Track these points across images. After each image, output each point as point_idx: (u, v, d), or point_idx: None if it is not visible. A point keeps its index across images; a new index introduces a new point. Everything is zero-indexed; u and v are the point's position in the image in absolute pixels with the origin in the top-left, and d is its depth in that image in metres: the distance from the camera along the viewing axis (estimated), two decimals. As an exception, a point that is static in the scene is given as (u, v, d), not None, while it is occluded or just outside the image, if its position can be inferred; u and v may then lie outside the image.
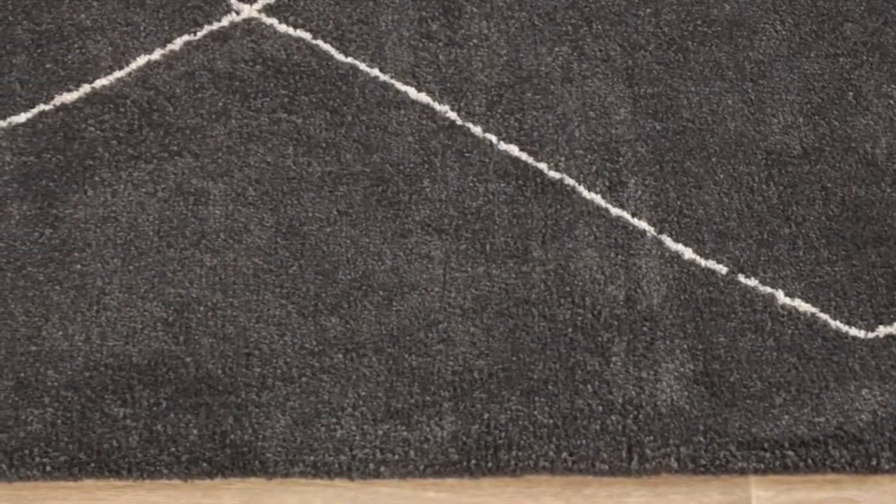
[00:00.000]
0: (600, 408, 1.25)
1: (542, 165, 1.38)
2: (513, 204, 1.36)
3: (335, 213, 1.35)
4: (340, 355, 1.27)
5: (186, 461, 1.22)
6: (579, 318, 1.30)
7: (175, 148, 1.38)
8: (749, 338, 1.29)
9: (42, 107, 1.40)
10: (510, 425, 1.24)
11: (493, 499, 1.23)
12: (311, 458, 1.22)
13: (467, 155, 1.39)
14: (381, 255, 1.33)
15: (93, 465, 1.22)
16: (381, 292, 1.31)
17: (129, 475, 1.22)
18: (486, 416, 1.24)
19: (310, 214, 1.35)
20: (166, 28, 1.46)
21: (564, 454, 1.23)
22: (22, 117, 1.40)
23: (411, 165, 1.38)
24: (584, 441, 1.23)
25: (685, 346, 1.28)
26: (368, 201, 1.36)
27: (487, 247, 1.34)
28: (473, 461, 1.23)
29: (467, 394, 1.26)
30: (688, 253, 1.34)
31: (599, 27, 1.47)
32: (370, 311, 1.30)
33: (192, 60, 1.44)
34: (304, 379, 1.26)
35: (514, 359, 1.27)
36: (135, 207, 1.35)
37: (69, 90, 1.41)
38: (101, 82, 1.42)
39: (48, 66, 1.43)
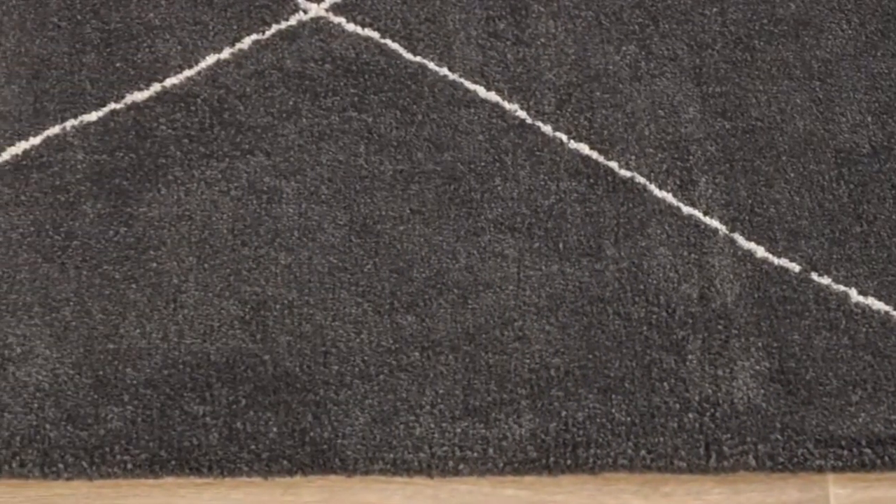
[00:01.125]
0: (677, 405, 1.25)
1: (613, 164, 1.39)
2: (584, 202, 1.36)
3: (408, 211, 1.35)
4: (417, 353, 1.28)
5: (267, 459, 1.22)
6: (654, 317, 1.30)
7: (247, 146, 1.39)
8: (823, 336, 1.29)
9: (113, 105, 1.41)
10: (588, 423, 1.24)
11: (572, 496, 1.23)
12: (391, 455, 1.23)
13: (538, 153, 1.39)
14: (455, 253, 1.33)
15: (173, 462, 1.22)
16: (455, 290, 1.31)
17: (209, 473, 1.22)
18: (563, 413, 1.25)
19: (383, 213, 1.35)
20: (235, 27, 1.46)
21: (643, 452, 1.23)
22: (93, 116, 1.40)
23: (482, 164, 1.38)
24: (661, 439, 1.24)
25: (760, 345, 1.28)
26: (441, 200, 1.36)
27: (560, 245, 1.34)
28: (552, 459, 1.23)
29: (544, 391, 1.26)
30: (760, 251, 1.34)
31: (666, 26, 1.47)
32: (446, 310, 1.30)
33: (262, 59, 1.44)
34: (381, 377, 1.26)
35: (590, 356, 1.28)
36: (208, 206, 1.35)
37: (140, 89, 1.42)
38: (171, 81, 1.42)
39: (118, 64, 1.43)
